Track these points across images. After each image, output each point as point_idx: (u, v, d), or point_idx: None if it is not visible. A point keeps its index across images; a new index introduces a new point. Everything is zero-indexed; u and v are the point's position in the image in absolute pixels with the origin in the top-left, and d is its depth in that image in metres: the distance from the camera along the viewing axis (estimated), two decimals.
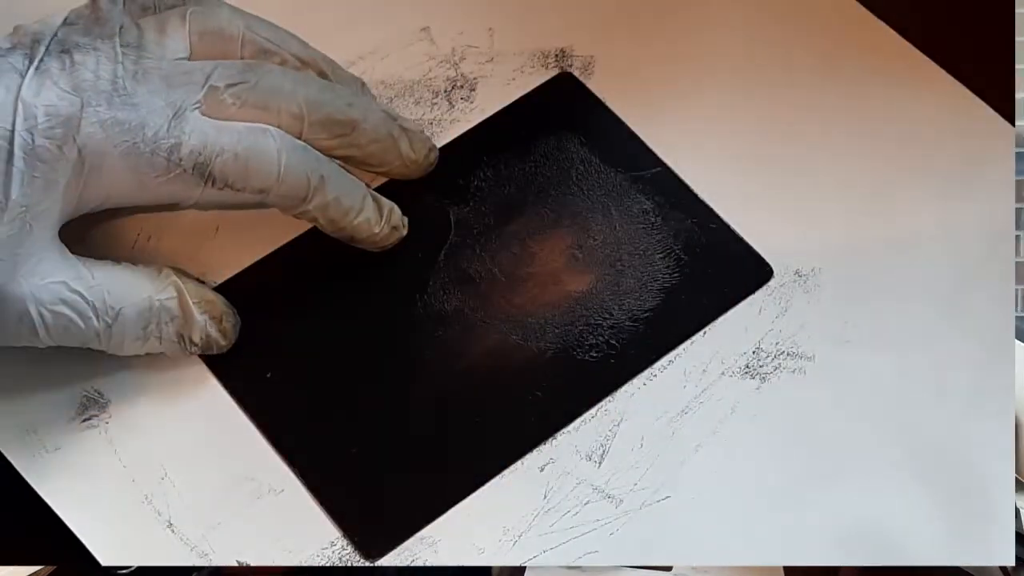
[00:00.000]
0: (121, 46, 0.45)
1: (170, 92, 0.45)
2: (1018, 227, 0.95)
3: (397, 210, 0.50)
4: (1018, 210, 0.93)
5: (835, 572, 0.52)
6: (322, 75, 0.49)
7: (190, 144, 0.45)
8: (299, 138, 0.47)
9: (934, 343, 0.49)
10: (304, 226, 0.50)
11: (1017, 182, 0.80)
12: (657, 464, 0.47)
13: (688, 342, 0.49)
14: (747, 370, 0.49)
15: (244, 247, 0.51)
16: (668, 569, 0.59)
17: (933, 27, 0.55)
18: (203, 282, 0.49)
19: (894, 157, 0.53)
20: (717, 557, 0.45)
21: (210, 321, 0.47)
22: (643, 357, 0.49)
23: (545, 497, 0.46)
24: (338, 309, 0.50)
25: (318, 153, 0.47)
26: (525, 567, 0.44)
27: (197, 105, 0.45)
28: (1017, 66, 0.54)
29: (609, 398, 0.48)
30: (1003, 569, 0.50)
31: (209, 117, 0.46)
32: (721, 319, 0.49)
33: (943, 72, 0.54)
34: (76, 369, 0.48)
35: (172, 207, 0.47)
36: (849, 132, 0.54)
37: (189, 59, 0.46)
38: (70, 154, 0.43)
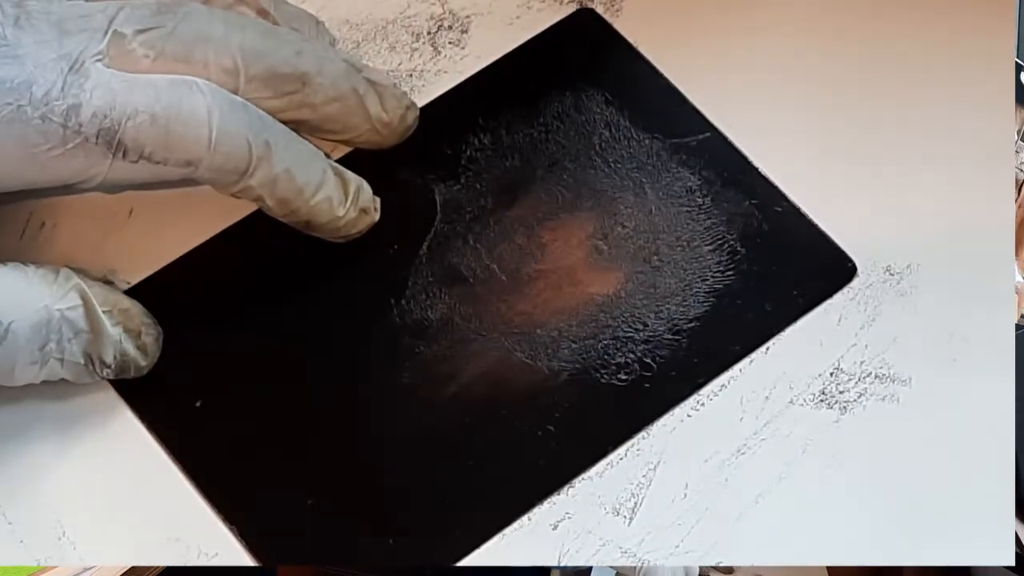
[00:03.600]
0: None
1: (64, 41, 0.44)
2: None
3: (367, 188, 0.49)
4: None
5: (885, 572, 0.55)
6: (262, 14, 0.49)
7: (92, 104, 0.44)
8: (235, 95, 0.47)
9: None
10: (245, 209, 0.50)
11: None
12: (706, 520, 0.47)
13: (746, 361, 0.49)
14: (823, 397, 0.48)
15: (167, 237, 0.50)
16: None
17: None
18: (113, 284, 0.49)
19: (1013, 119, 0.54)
20: None
21: (125, 335, 0.46)
22: (687, 381, 0.49)
23: (559, 561, 0.46)
24: (289, 318, 0.49)
25: (262, 113, 0.47)
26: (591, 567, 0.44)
27: (99, 56, 0.45)
28: None
29: (643, 434, 0.48)
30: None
31: (117, 71, 0.45)
32: (789, 331, 0.49)
33: None
34: None
35: (73, 188, 0.46)
36: (957, 86, 0.53)
37: (87, 0, 0.46)
38: None
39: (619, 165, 0.51)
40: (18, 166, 0.44)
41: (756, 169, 0.51)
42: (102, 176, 0.45)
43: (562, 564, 0.46)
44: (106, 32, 0.45)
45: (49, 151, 0.44)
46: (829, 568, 0.63)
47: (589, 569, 0.69)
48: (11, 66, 0.43)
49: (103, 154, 0.44)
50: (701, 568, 0.69)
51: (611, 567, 0.62)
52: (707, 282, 0.50)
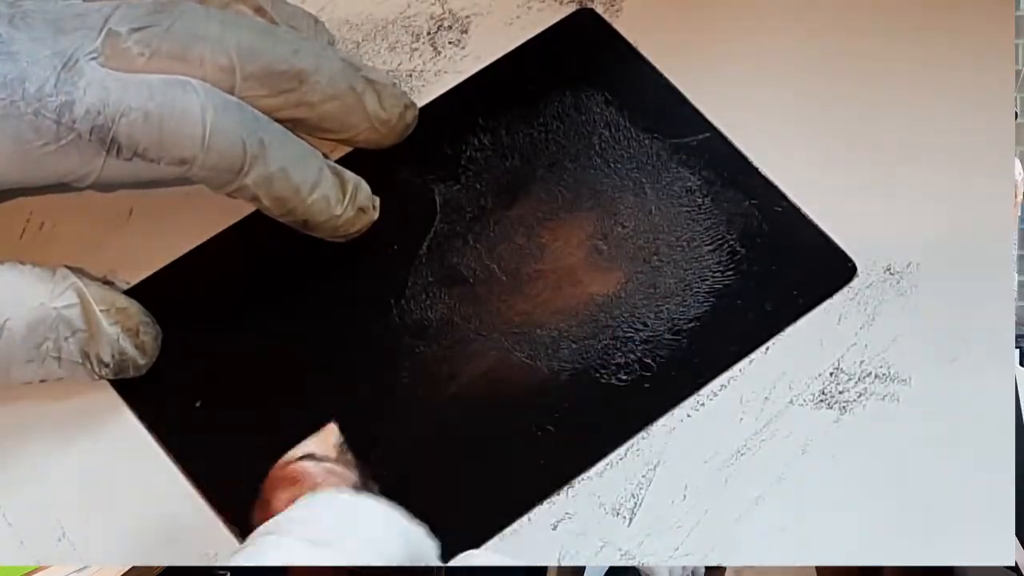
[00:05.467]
0: None
1: (58, 39, 0.45)
2: None
3: (365, 187, 0.49)
4: None
5: (870, 571, 0.56)
6: (260, 13, 0.50)
7: (86, 101, 0.44)
8: (231, 94, 0.46)
9: None
10: (243, 209, 0.50)
11: None
12: (706, 521, 0.47)
13: (746, 361, 0.49)
14: (823, 397, 0.48)
15: (165, 237, 0.50)
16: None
17: None
18: (112, 284, 0.48)
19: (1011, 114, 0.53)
20: None
21: (123, 334, 0.46)
22: (687, 381, 0.49)
23: (559, 563, 0.46)
24: (288, 318, 0.49)
25: (256, 112, 0.46)
26: (584, 567, 0.44)
27: (94, 55, 0.45)
28: None
29: (643, 434, 0.48)
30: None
31: (112, 70, 0.45)
32: (789, 331, 0.49)
33: None
34: None
35: (67, 186, 0.46)
36: (956, 86, 0.53)
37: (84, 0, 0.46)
38: None
39: (619, 165, 0.51)
40: (11, 162, 0.44)
41: (756, 169, 0.51)
42: (96, 174, 0.45)
43: (561, 564, 0.46)
44: (101, 31, 0.45)
45: (42, 147, 0.44)
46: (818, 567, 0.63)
47: (582, 568, 0.69)
48: (4, 62, 0.43)
49: (96, 151, 0.44)
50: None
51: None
52: (707, 282, 0.49)
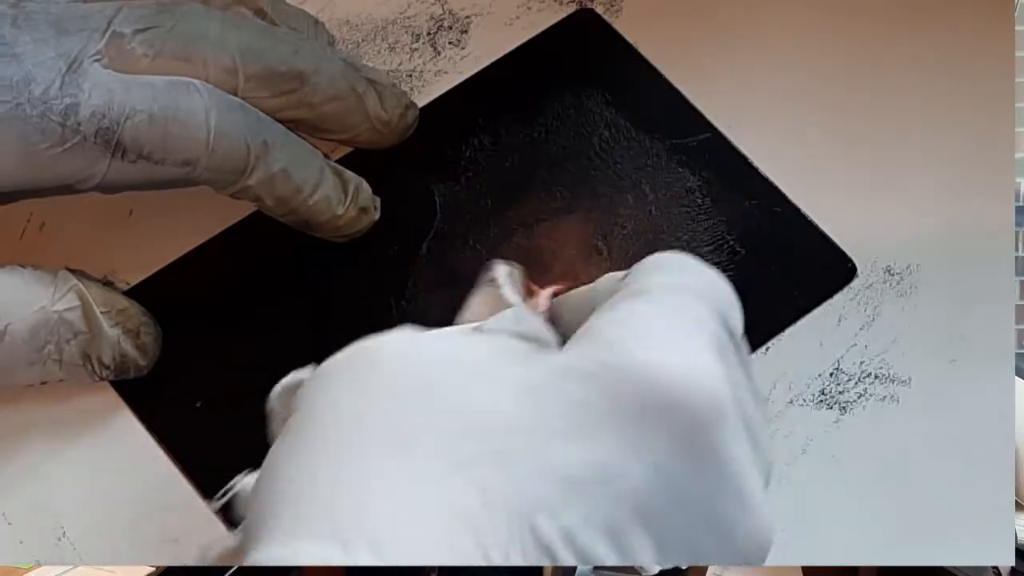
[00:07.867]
0: None
1: (62, 40, 0.44)
2: None
3: (366, 187, 0.49)
4: None
5: (854, 571, 0.56)
6: (260, 14, 0.49)
7: (91, 104, 0.43)
8: (234, 95, 0.46)
9: None
10: (244, 209, 0.49)
11: None
12: None
13: None
14: (823, 398, 0.48)
15: (166, 238, 0.50)
16: None
17: None
18: (113, 284, 0.48)
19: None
20: None
21: (124, 335, 0.46)
22: None
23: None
24: (289, 318, 0.49)
25: (259, 113, 0.46)
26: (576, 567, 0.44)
27: (97, 56, 0.44)
28: None
29: None
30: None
31: (115, 71, 0.45)
32: (789, 331, 0.49)
33: None
34: None
35: (72, 188, 0.45)
36: (956, 86, 0.53)
37: (86, 0, 0.46)
38: None
39: (619, 165, 0.51)
40: (16, 165, 0.44)
41: (756, 169, 0.51)
42: (100, 176, 0.45)
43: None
44: (105, 32, 0.44)
45: (48, 150, 0.43)
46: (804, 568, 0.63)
47: (574, 569, 0.68)
48: (9, 64, 0.43)
49: (101, 153, 0.44)
50: None
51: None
52: None
